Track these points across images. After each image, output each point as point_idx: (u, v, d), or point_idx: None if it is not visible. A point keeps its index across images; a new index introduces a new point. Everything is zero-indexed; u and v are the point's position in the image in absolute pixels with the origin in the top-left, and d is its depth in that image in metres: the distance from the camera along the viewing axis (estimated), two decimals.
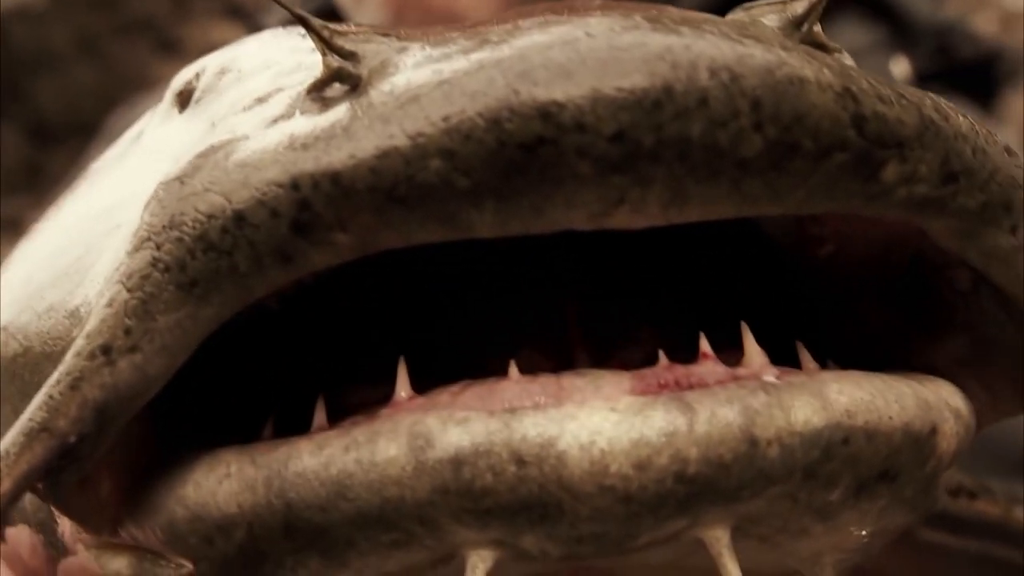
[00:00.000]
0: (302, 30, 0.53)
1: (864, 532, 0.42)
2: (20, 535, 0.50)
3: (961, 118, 0.40)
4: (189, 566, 0.42)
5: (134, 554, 0.44)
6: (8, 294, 0.52)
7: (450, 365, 0.41)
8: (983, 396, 0.46)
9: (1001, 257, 0.42)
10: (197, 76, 0.56)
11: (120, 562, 0.45)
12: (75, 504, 0.42)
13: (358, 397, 0.44)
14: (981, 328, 0.45)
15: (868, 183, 0.38)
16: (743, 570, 0.38)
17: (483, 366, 0.40)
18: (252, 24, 1.15)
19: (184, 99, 0.57)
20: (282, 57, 0.51)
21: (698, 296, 0.52)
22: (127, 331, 0.38)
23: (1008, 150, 0.41)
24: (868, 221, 0.43)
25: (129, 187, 0.52)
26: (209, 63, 0.56)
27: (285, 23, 0.63)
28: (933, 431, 0.41)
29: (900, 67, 1.13)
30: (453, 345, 0.45)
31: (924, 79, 1.08)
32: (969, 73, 1.12)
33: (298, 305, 0.49)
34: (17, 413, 0.40)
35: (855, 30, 1.19)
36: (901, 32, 1.19)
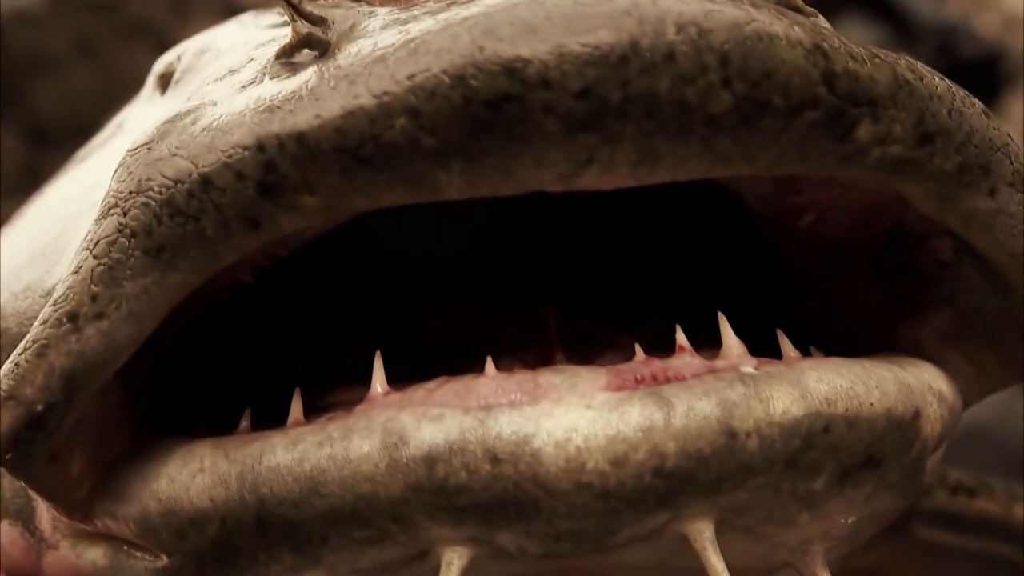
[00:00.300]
0: (279, 10, 0.53)
1: (852, 519, 0.42)
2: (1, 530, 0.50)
3: (937, 79, 0.40)
4: (164, 559, 0.42)
5: (110, 544, 0.44)
6: None
7: (430, 370, 0.40)
8: (969, 371, 0.46)
9: (980, 220, 0.41)
10: (178, 59, 0.56)
11: (96, 552, 0.45)
12: (45, 480, 0.42)
13: (339, 396, 0.44)
14: (964, 300, 0.45)
15: (841, 143, 0.37)
16: (731, 566, 0.37)
17: (463, 369, 0.40)
18: None
19: (165, 82, 0.57)
20: (259, 34, 0.51)
21: (679, 282, 0.52)
22: (93, 297, 0.38)
23: (986, 113, 0.41)
24: (846, 188, 0.43)
25: (107, 170, 0.52)
26: (189, 46, 0.56)
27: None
28: (916, 415, 0.40)
29: None
30: (435, 353, 0.45)
31: None
32: (972, 73, 1.12)
33: (282, 299, 0.49)
34: None
35: (858, 30, 1.19)
36: (904, 32, 1.18)
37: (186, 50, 0.56)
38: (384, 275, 0.52)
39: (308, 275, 0.48)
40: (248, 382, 0.47)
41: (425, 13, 0.37)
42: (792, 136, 0.36)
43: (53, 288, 0.45)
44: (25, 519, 0.48)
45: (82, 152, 0.65)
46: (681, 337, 0.40)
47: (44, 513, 0.47)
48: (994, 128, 0.41)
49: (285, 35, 0.42)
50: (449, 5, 0.37)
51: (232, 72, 0.43)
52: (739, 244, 0.50)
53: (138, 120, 0.57)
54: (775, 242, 0.47)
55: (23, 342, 0.39)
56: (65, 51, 1.95)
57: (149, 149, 0.39)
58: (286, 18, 0.45)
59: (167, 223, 0.37)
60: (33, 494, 0.45)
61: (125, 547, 0.43)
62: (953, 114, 0.39)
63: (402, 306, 0.51)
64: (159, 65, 0.59)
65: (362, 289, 0.52)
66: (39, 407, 0.38)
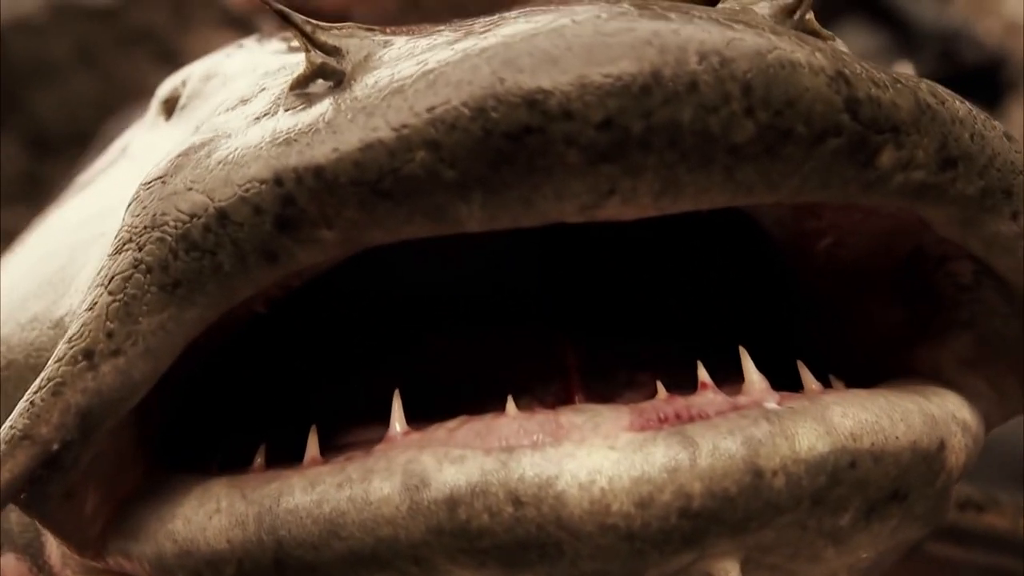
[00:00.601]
0: (287, 34, 0.53)
1: (876, 552, 0.41)
2: (7, 564, 0.50)
3: (959, 103, 0.39)
4: None
5: None
6: None
7: (448, 402, 0.40)
8: (991, 395, 0.45)
9: (1003, 245, 0.41)
10: (183, 83, 0.56)
11: None
12: (59, 519, 0.41)
13: (355, 431, 0.43)
14: (985, 324, 0.44)
15: (864, 170, 0.37)
16: None
17: (482, 402, 0.39)
18: (251, 33, 1.14)
19: (170, 107, 0.56)
20: (266, 60, 0.50)
21: (696, 303, 0.52)
22: (109, 334, 0.37)
23: (1007, 135, 0.40)
24: (866, 213, 0.43)
25: (114, 196, 0.51)
26: (194, 70, 0.56)
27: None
28: (941, 447, 0.40)
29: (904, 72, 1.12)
30: (452, 384, 0.44)
31: None
32: (974, 79, 1.11)
33: (296, 329, 0.48)
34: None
35: (860, 35, 1.18)
36: (906, 37, 1.18)
37: (191, 74, 0.55)
38: (399, 303, 0.51)
39: (322, 305, 0.47)
40: (262, 413, 0.47)
41: (442, 43, 0.37)
42: (815, 164, 0.36)
43: (61, 319, 0.45)
44: (34, 554, 0.48)
45: (84, 176, 0.65)
46: (703, 374, 0.39)
47: (54, 548, 0.46)
48: (1015, 151, 0.40)
49: (296, 63, 0.42)
50: (466, 34, 0.37)
51: (244, 102, 0.43)
52: (756, 267, 0.49)
53: (144, 146, 0.56)
54: (793, 265, 0.47)
55: (38, 380, 0.38)
56: (66, 59, 1.95)
57: (163, 183, 0.38)
58: (294, 44, 0.44)
59: (183, 258, 0.37)
60: (43, 529, 0.45)
61: None
62: (975, 138, 0.39)
63: (417, 336, 0.50)
64: (163, 90, 0.58)
65: (377, 318, 0.51)
66: (55, 446, 0.38)
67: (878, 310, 0.46)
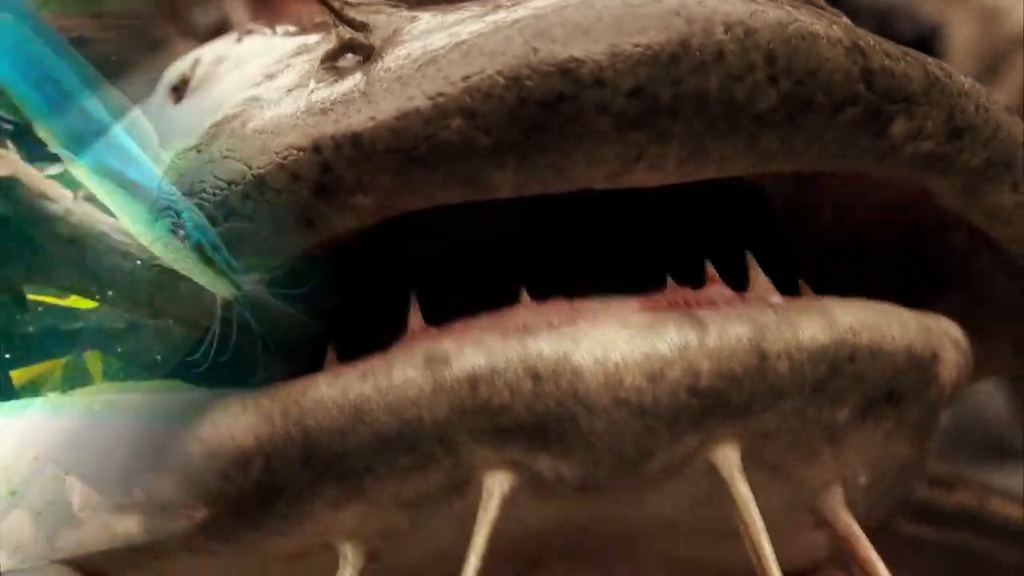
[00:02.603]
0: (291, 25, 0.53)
1: (869, 464, 0.42)
2: None
3: (963, 77, 0.41)
4: (202, 511, 0.41)
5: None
6: None
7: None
8: (977, 350, 0.47)
9: (1003, 215, 0.42)
10: (192, 67, 0.56)
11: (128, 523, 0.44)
12: None
13: None
14: (977, 286, 0.46)
15: (878, 139, 0.38)
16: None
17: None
18: None
19: (180, 89, 0.56)
20: (281, 43, 0.51)
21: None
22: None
23: (1008, 109, 0.42)
24: (869, 185, 0.44)
25: None
26: (204, 53, 0.56)
27: None
28: (935, 357, 0.41)
29: None
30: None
31: None
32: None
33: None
34: None
35: None
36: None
37: (201, 58, 0.55)
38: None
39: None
40: None
41: (470, 17, 0.38)
42: (834, 133, 0.37)
43: None
44: None
45: None
46: (711, 270, 0.40)
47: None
48: (1016, 124, 0.42)
49: (316, 41, 0.43)
50: (495, 8, 0.38)
51: (270, 77, 0.43)
52: (754, 237, 0.51)
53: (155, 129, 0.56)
54: (793, 235, 0.48)
55: None
56: None
57: (198, 151, 0.39)
58: (303, 26, 0.45)
59: (221, 225, 0.38)
60: None
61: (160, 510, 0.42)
62: (980, 110, 0.40)
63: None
64: (171, 74, 0.58)
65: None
66: None
67: (872, 272, 0.47)
